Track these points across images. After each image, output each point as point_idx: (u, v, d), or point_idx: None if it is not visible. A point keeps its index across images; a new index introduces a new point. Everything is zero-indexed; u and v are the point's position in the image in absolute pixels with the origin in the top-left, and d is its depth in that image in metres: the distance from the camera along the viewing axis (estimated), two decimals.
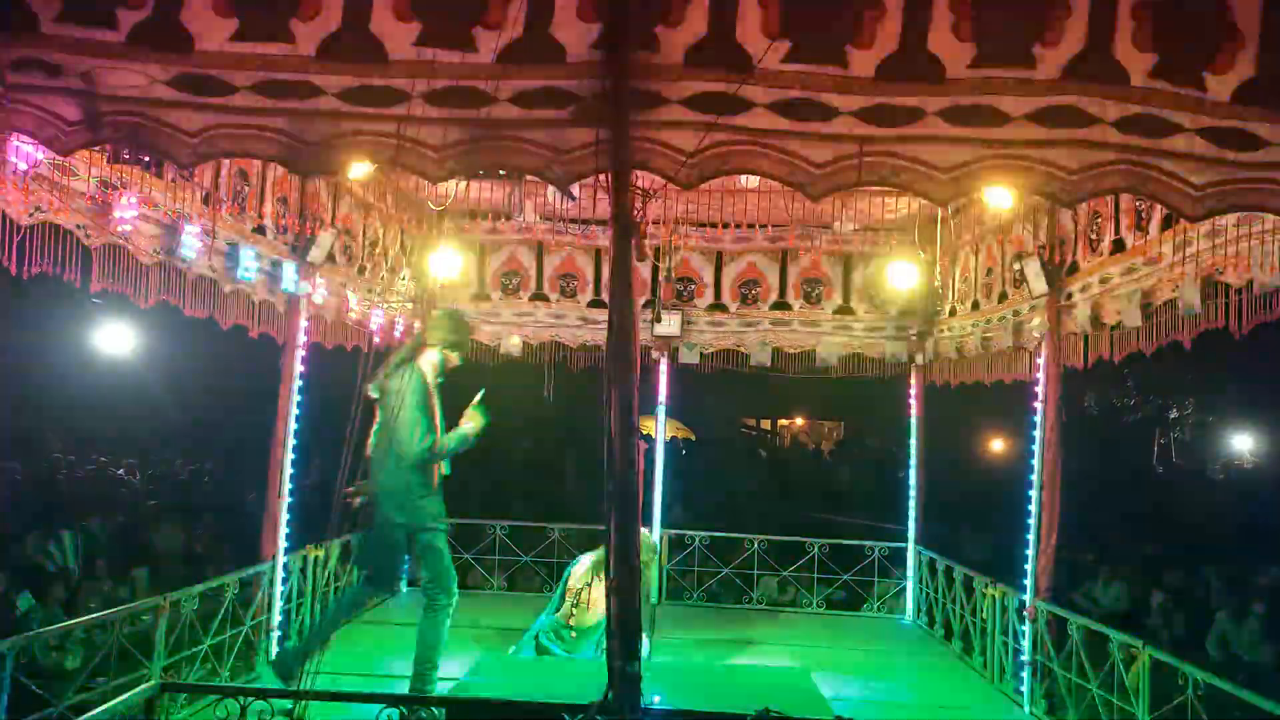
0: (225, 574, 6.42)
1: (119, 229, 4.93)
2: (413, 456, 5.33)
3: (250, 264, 6.14)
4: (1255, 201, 3.38)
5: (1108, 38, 3.19)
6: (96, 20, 3.34)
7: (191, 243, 5.47)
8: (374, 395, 5.53)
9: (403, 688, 5.42)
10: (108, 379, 17.25)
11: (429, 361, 5.67)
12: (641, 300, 8.76)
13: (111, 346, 16.42)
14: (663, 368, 9.38)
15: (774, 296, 9.21)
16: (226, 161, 5.71)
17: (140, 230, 5.15)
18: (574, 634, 6.51)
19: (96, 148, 4.36)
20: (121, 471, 16.64)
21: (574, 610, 6.52)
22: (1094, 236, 6.17)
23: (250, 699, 3.65)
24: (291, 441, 6.73)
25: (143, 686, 3.88)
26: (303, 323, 6.84)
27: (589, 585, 6.56)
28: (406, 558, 5.92)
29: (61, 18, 3.34)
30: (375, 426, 5.55)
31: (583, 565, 6.77)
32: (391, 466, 5.37)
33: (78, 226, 4.72)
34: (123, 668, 5.37)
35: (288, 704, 3.82)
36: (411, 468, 5.35)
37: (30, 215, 4.38)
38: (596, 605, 6.48)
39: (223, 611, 6.12)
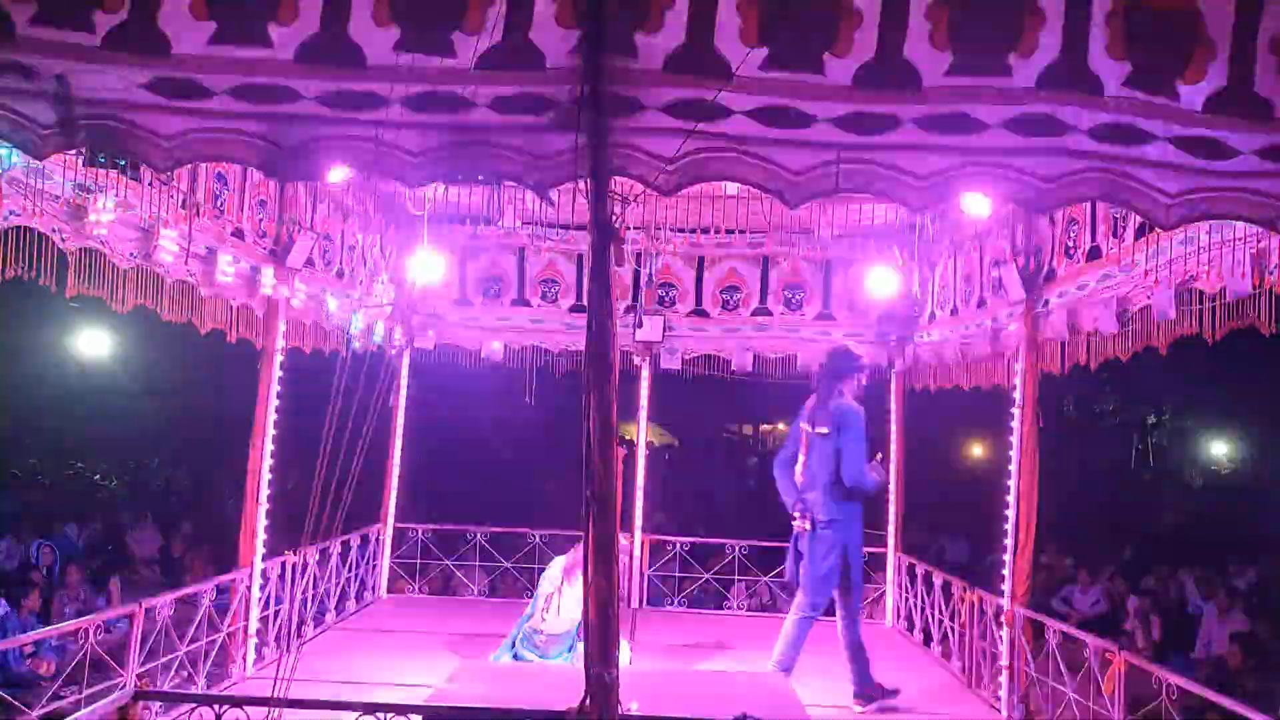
0: (201, 580, 6.38)
1: (95, 233, 4.89)
2: (852, 483, 6.19)
3: (228, 268, 6.11)
4: (1227, 210, 3.42)
5: (1082, 47, 3.21)
6: (72, 23, 3.30)
7: (169, 247, 5.44)
8: (817, 429, 6.34)
9: (380, 696, 5.39)
10: (85, 384, 17.08)
11: (852, 393, 6.39)
12: (623, 305, 8.78)
13: (89, 351, 16.27)
14: (644, 373, 9.38)
15: (755, 302, 9.25)
16: (205, 165, 5.68)
17: (117, 234, 5.11)
18: (543, 638, 6.50)
19: (72, 151, 4.33)
20: (98, 477, 16.49)
21: (544, 615, 6.52)
22: (1071, 244, 6.22)
23: (225, 707, 3.62)
24: (270, 447, 6.70)
25: (116, 694, 3.85)
26: (281, 327, 6.80)
27: (557, 590, 6.56)
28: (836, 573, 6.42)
29: (36, 20, 3.31)
30: (805, 454, 6.40)
31: (552, 570, 6.76)
32: (834, 491, 6.22)
33: (53, 230, 4.68)
34: (97, 675, 5.32)
35: (263, 711, 3.79)
36: (848, 492, 6.21)
37: (4, 219, 4.34)
38: (564, 610, 6.48)
39: (199, 618, 6.08)
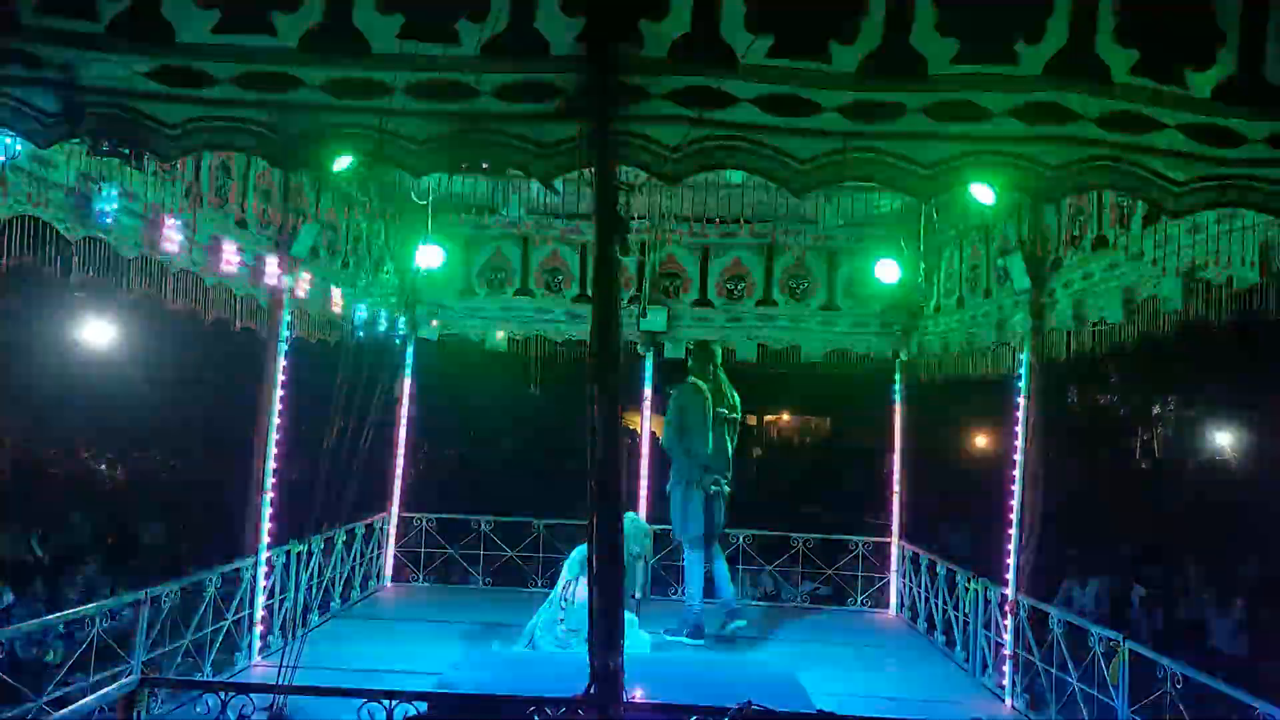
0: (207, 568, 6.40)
1: (99, 222, 4.89)
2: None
3: (232, 257, 6.10)
4: (1235, 198, 3.40)
5: (1089, 34, 3.18)
6: (77, 11, 3.29)
7: (173, 236, 5.44)
8: (719, 409, 7.89)
9: (384, 683, 5.40)
10: (89, 373, 17.11)
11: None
12: (627, 295, 8.77)
13: (93, 340, 16.28)
14: (648, 362, 9.38)
15: (759, 292, 9.22)
16: (209, 154, 5.67)
17: (121, 223, 5.11)
18: (564, 629, 6.48)
19: (76, 140, 4.31)
20: (104, 466, 16.54)
21: (562, 605, 6.51)
22: (1077, 233, 6.20)
23: (231, 693, 3.63)
24: (274, 436, 6.71)
25: (122, 681, 3.86)
26: (285, 316, 6.80)
27: (575, 580, 6.55)
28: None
29: (41, 9, 3.30)
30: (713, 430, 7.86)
31: (572, 559, 6.76)
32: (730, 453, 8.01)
33: (57, 219, 4.68)
34: (103, 663, 5.34)
35: (268, 698, 3.81)
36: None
37: (9, 208, 4.34)
38: (580, 599, 6.47)
39: (204, 606, 6.10)
